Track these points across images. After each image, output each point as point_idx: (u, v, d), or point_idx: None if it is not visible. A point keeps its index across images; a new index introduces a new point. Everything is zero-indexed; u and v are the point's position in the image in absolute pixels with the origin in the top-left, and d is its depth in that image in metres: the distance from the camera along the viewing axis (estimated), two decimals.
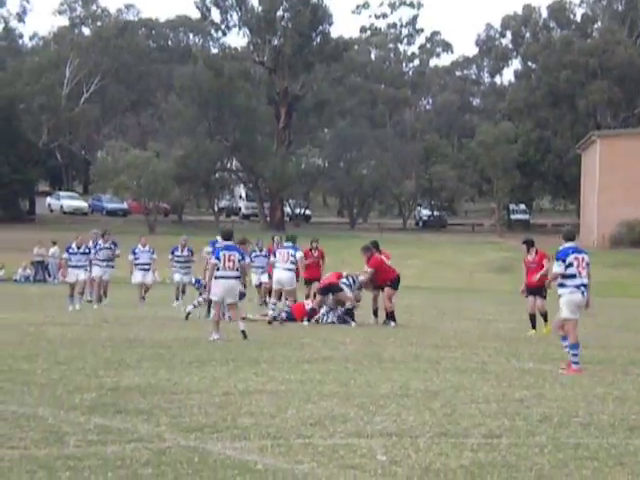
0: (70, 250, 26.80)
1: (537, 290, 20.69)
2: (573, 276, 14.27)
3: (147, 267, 29.33)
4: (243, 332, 17.70)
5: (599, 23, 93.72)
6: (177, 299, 28.51)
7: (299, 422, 9.42)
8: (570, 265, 14.27)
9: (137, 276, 29.44)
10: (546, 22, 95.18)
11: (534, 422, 9.69)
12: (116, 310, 25.45)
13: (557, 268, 14.39)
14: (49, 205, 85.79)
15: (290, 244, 22.10)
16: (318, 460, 7.91)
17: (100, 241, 28.44)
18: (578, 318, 14.42)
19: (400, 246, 62.86)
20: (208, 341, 17.20)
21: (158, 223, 74.12)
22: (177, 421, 9.38)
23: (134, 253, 29.50)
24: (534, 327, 20.78)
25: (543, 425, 9.56)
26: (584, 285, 14.31)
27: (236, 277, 18.07)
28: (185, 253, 28.74)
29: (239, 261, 18.02)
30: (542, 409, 10.46)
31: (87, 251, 27.15)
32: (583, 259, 14.38)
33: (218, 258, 18.02)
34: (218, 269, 18.00)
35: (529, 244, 21.44)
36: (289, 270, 21.63)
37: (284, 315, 22.20)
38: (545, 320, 20.79)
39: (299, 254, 21.85)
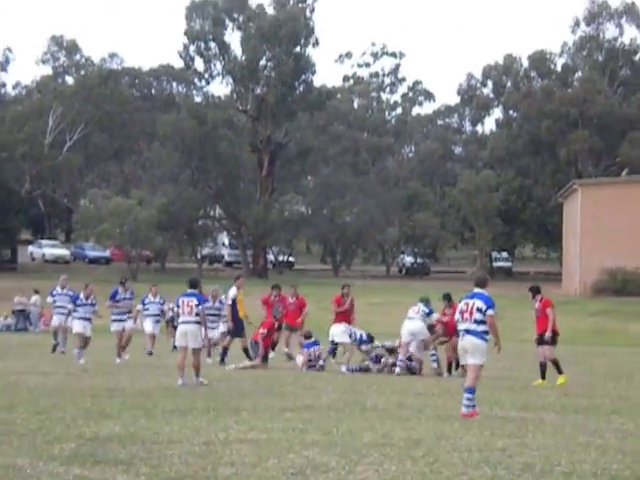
0: (78, 301, 25.34)
1: (543, 339, 20.44)
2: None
3: (158, 318, 29.40)
4: (201, 382, 18.24)
5: (579, 73, 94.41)
6: (209, 356, 24.87)
7: (280, 472, 9.34)
8: (462, 312, 14.59)
9: (147, 326, 29.10)
10: (527, 72, 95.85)
11: (516, 471, 9.63)
12: (98, 359, 25.26)
13: (455, 316, 14.94)
14: (31, 253, 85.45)
15: (423, 304, 23.18)
16: None
17: (120, 290, 25.77)
18: (474, 363, 14.37)
19: (384, 294, 62.91)
20: (189, 389, 17.11)
21: (140, 271, 73.94)
22: (157, 471, 9.29)
23: (143, 303, 29.37)
24: (543, 377, 20.32)
25: (525, 474, 9.51)
26: (465, 330, 14.41)
27: (195, 322, 18.48)
28: (217, 305, 25.69)
29: (196, 306, 18.38)
30: (524, 458, 10.40)
31: (94, 302, 25.45)
32: (474, 304, 14.49)
33: (178, 305, 18.75)
34: (178, 316, 18.89)
35: (533, 291, 20.79)
36: (418, 320, 22.83)
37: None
38: (558, 369, 20.48)
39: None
